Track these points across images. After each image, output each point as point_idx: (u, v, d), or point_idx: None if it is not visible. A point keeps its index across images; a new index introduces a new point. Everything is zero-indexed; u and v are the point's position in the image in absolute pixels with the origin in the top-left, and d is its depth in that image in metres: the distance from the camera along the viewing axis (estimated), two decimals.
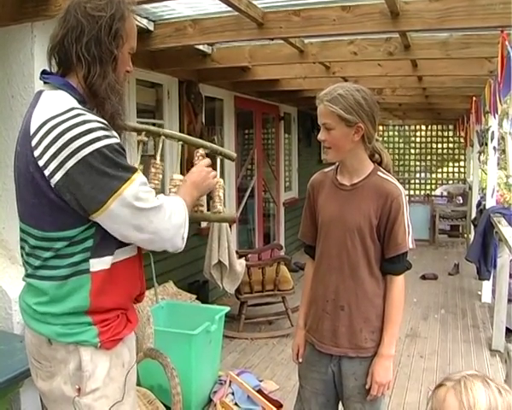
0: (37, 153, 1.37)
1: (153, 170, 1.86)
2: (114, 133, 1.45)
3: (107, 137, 1.38)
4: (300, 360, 2.08)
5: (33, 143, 1.38)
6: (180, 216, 1.52)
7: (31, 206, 1.45)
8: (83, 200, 1.37)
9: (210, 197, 1.91)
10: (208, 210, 1.94)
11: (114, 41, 1.46)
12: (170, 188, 1.82)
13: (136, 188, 1.41)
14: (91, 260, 1.43)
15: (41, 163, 1.37)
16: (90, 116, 1.39)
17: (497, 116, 5.01)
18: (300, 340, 2.09)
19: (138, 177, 1.43)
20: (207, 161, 1.81)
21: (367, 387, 1.89)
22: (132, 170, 1.43)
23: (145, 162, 1.87)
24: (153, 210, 1.44)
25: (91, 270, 1.43)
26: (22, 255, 1.54)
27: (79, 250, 1.42)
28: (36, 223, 1.45)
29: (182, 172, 1.91)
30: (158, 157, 1.87)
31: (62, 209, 1.39)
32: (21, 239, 1.52)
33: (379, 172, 1.90)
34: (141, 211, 1.41)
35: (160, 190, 1.82)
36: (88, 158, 1.34)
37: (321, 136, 1.88)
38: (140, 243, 1.50)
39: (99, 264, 1.44)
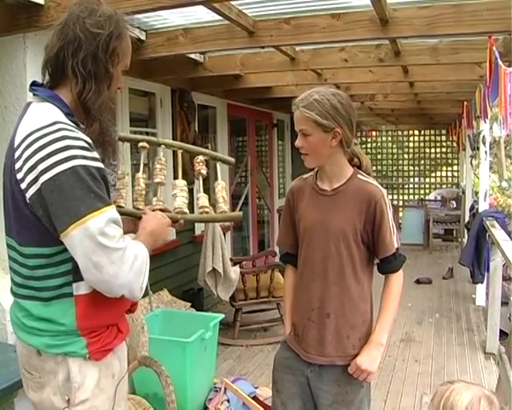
0: (17, 165, 1.36)
1: (158, 166, 1.92)
2: (96, 155, 1.39)
3: (84, 157, 1.33)
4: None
5: (16, 155, 1.37)
6: (142, 264, 1.41)
7: (12, 219, 1.44)
8: (53, 217, 1.33)
9: (214, 199, 1.97)
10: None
11: (111, 59, 1.45)
12: (176, 192, 1.87)
13: (104, 222, 1.31)
14: (74, 284, 1.41)
15: (19, 176, 1.35)
16: (72, 132, 1.36)
17: (487, 120, 5.06)
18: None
19: (110, 211, 1.34)
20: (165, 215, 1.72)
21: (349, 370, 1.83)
22: (105, 201, 1.35)
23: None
24: (116, 251, 1.32)
25: (75, 293, 1.41)
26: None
27: (60, 273, 1.40)
28: (15, 236, 1.44)
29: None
30: (161, 154, 1.96)
31: (36, 226, 1.37)
32: (7, 252, 1.51)
33: (359, 175, 1.87)
34: (103, 248, 1.30)
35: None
36: (60, 175, 1.29)
37: (298, 142, 1.84)
38: (97, 285, 1.36)
39: (81, 287, 1.41)
